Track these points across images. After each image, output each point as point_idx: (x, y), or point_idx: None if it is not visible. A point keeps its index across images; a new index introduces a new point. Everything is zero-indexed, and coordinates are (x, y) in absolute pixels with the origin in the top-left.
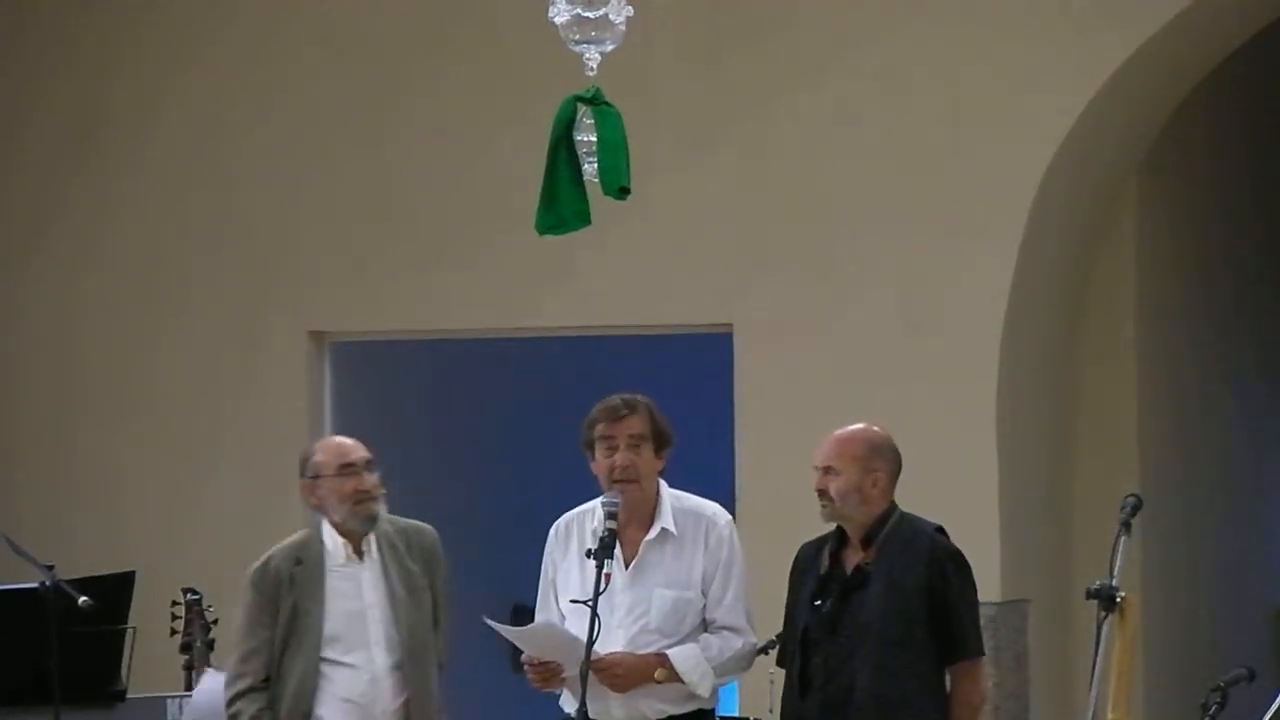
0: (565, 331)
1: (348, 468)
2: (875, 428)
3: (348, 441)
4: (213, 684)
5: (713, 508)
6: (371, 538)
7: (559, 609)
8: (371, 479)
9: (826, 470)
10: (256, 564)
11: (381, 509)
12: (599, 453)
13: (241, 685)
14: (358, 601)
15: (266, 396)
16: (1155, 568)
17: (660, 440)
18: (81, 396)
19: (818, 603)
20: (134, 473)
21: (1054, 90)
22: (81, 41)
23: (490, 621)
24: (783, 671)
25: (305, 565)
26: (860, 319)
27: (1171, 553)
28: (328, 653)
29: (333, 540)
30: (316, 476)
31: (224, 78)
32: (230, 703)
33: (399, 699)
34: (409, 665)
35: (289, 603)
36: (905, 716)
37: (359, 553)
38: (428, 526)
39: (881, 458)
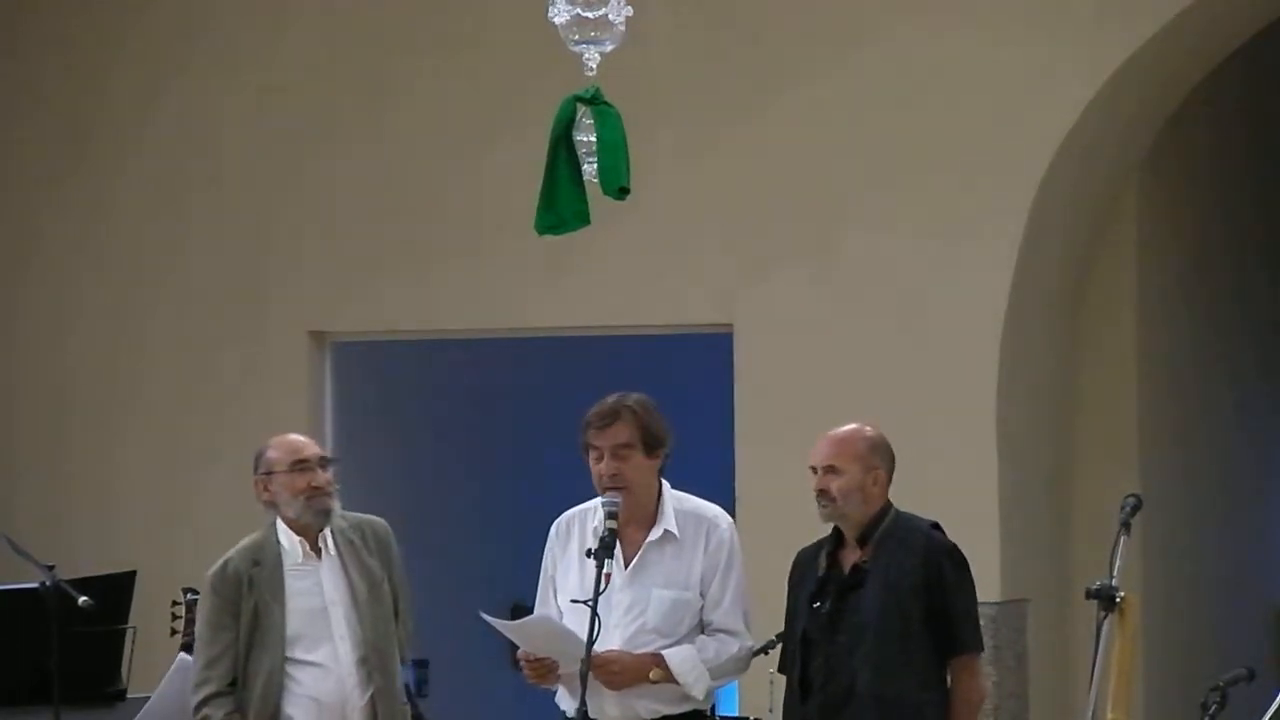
0: (565, 331)
1: (300, 464)
2: (868, 427)
3: (301, 439)
4: (181, 674)
5: (714, 510)
6: (328, 534)
7: (557, 606)
8: (325, 475)
9: (828, 470)
10: (214, 567)
11: (335, 505)
12: (590, 459)
13: (208, 690)
14: (318, 599)
15: (266, 396)
16: (1155, 568)
17: (652, 443)
18: (81, 396)
19: (816, 604)
20: (134, 473)
21: (1054, 90)
22: (78, 42)
23: (485, 615)
24: (783, 675)
25: (263, 566)
26: (860, 319)
27: (1171, 553)
28: (292, 652)
29: (289, 539)
30: (269, 473)
31: (222, 77)
32: (197, 708)
33: (365, 694)
34: (374, 660)
35: (250, 604)
36: (905, 714)
37: (316, 550)
38: (379, 519)
39: (880, 456)
